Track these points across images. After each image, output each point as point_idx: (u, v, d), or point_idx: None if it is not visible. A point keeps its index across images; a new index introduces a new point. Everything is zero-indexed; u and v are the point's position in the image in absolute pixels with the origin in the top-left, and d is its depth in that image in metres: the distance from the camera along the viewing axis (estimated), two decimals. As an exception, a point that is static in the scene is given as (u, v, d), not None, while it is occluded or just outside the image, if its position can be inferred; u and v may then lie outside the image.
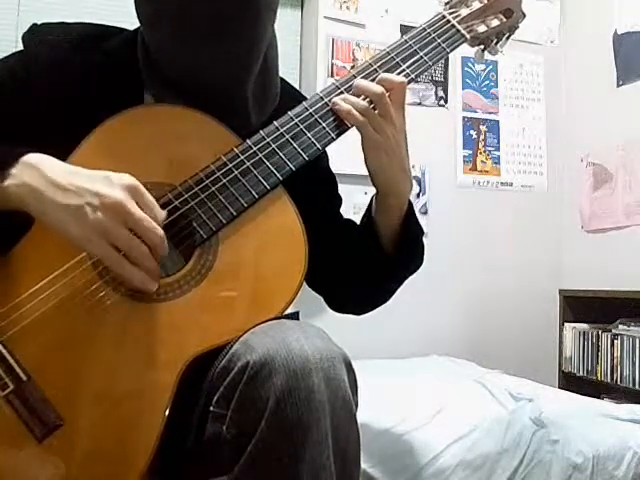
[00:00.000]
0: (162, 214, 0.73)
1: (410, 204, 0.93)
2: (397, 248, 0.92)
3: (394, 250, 0.92)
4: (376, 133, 0.84)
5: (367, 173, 0.90)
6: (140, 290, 0.74)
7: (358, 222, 0.98)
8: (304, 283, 0.92)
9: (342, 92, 0.87)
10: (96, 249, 0.71)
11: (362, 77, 0.89)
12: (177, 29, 0.82)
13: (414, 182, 2.51)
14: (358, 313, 1.03)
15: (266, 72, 0.91)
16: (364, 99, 0.85)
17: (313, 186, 0.87)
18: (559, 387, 2.37)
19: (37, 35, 0.88)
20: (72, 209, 0.69)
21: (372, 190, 0.94)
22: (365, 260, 0.92)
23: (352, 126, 0.86)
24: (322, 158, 0.97)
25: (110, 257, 0.71)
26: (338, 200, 1.06)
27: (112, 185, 0.70)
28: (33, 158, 0.73)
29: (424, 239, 0.95)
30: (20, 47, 0.88)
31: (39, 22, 0.90)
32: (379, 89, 0.85)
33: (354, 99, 0.85)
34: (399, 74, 0.90)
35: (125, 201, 0.70)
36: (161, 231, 0.72)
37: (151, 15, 0.84)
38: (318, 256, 0.87)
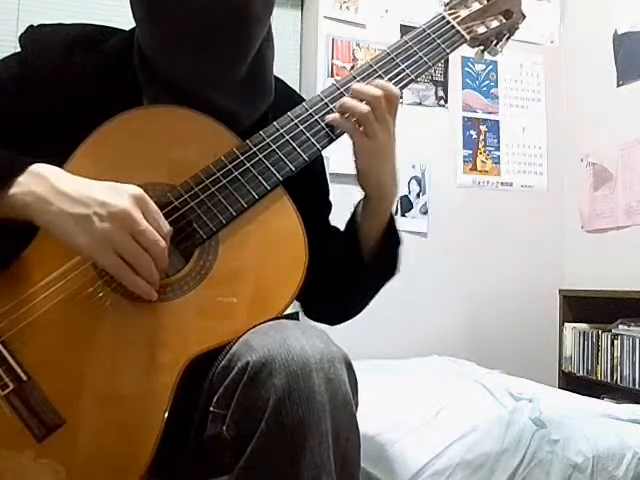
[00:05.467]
0: (167, 225, 0.74)
1: (391, 214, 0.92)
2: (376, 256, 0.91)
3: (373, 258, 0.91)
4: (369, 139, 0.84)
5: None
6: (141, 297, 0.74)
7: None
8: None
9: (342, 93, 0.87)
10: (102, 258, 0.71)
11: (362, 77, 0.89)
12: (166, 30, 0.81)
13: (414, 181, 2.52)
14: (333, 323, 0.99)
15: (258, 68, 0.90)
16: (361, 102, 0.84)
17: (306, 191, 0.86)
18: (559, 387, 2.37)
19: (34, 37, 0.87)
20: (79, 218, 0.70)
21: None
22: (344, 266, 0.91)
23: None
24: (317, 162, 0.95)
25: (116, 266, 0.71)
26: (328, 207, 1.04)
27: (119, 195, 0.71)
28: (40, 167, 0.73)
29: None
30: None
31: (36, 23, 0.90)
32: (377, 92, 0.84)
33: (354, 103, 0.84)
34: (399, 74, 0.90)
35: (131, 210, 0.70)
36: (163, 242, 0.72)
37: (142, 17, 0.84)
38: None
